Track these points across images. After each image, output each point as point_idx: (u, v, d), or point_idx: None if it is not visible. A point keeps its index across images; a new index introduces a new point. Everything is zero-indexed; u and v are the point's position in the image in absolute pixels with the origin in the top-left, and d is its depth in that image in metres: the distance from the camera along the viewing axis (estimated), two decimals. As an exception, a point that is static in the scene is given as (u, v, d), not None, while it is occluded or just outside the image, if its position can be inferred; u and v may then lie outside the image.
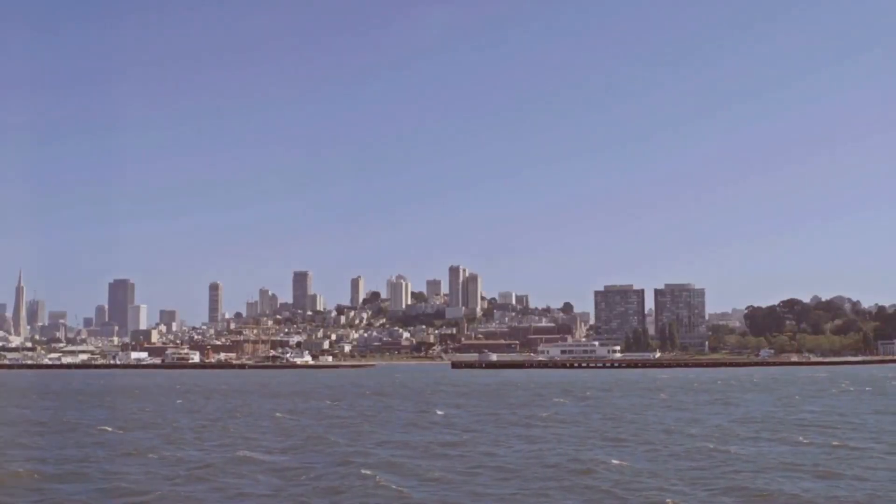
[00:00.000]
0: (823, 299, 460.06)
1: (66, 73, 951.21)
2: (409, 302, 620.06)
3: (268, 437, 49.60)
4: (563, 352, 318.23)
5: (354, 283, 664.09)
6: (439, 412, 69.69)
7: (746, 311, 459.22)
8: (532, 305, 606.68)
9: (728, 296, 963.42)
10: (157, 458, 40.32)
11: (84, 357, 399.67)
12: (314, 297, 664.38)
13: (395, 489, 30.46)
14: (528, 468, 34.96)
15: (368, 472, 34.00)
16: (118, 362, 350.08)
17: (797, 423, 55.41)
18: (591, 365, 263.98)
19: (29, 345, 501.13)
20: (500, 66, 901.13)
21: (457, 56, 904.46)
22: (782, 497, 28.41)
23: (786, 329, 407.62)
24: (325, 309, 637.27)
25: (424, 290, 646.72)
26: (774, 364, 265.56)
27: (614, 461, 36.56)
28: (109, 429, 54.38)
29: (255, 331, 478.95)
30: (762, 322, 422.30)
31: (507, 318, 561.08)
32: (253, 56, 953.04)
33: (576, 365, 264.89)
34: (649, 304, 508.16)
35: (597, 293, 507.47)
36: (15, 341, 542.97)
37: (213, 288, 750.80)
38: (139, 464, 38.60)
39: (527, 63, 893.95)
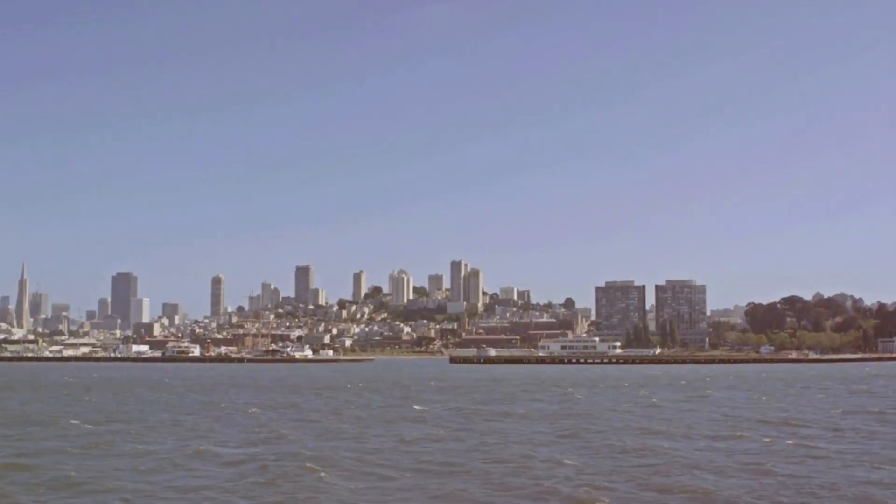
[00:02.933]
0: (826, 296, 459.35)
1: (70, 67, 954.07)
2: (411, 296, 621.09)
3: (234, 431, 50.01)
4: (563, 347, 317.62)
5: (356, 278, 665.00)
6: (416, 407, 70.15)
7: (747, 308, 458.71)
8: (534, 301, 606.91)
9: (731, 292, 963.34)
10: (116, 451, 40.79)
11: (85, 350, 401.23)
12: (316, 292, 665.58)
13: (330, 483, 30.91)
14: (474, 465, 35.24)
15: (314, 465, 34.39)
16: (119, 355, 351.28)
17: (764, 422, 55.56)
18: (590, 361, 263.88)
19: (31, 337, 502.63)
20: (504, 64, 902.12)
21: (460, 53, 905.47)
22: (710, 494, 28.69)
23: (786, 326, 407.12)
24: (326, 303, 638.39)
25: (426, 285, 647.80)
26: (772, 361, 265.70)
27: (566, 460, 36.75)
28: (89, 426, 54.42)
29: (256, 325, 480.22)
30: (763, 319, 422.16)
31: (508, 314, 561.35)
32: (255, 51, 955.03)
33: (574, 361, 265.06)
34: (650, 300, 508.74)
35: (598, 289, 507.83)
36: (18, 334, 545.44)
37: (216, 282, 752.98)
38: (96, 457, 39.08)
39: (530, 61, 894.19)
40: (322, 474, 32.69)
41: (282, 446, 41.72)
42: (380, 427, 52.21)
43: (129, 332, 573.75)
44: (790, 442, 43.51)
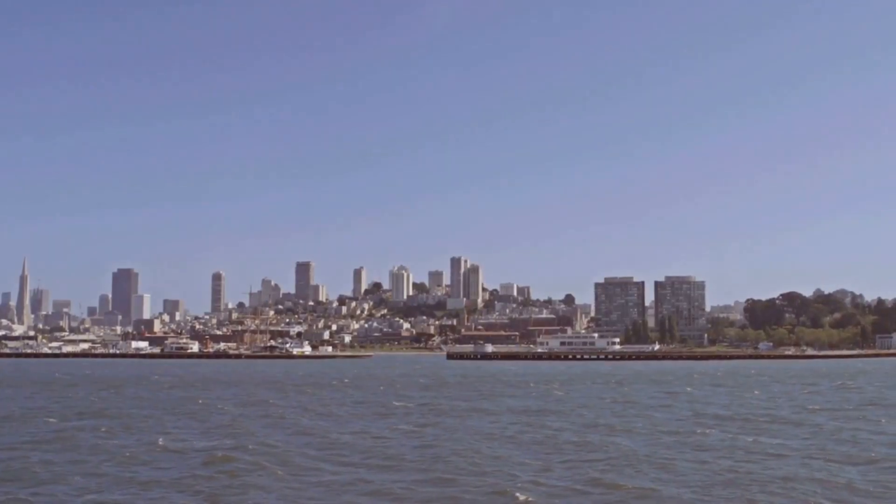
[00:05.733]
0: (826, 293, 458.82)
1: (71, 66, 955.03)
2: (411, 293, 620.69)
3: (199, 427, 50.66)
4: (562, 343, 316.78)
5: (356, 274, 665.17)
6: (396, 403, 70.65)
7: (746, 304, 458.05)
8: (533, 297, 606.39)
9: (731, 289, 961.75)
10: (81, 446, 41.39)
11: (84, 346, 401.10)
12: (316, 288, 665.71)
13: (272, 478, 31.48)
14: (424, 460, 35.76)
15: (262, 461, 34.95)
16: (118, 352, 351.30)
17: (731, 419, 55.86)
18: (589, 357, 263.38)
19: (31, 334, 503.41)
20: (503, 61, 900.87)
21: (459, 50, 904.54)
22: (643, 489, 29.08)
23: (785, 322, 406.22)
24: (327, 299, 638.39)
25: (426, 281, 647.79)
26: (769, 357, 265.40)
27: (517, 456, 37.13)
28: (62, 422, 54.86)
29: (255, 321, 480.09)
30: (762, 315, 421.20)
31: (507, 310, 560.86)
32: (254, 50, 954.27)
33: (570, 357, 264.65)
34: (650, 296, 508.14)
35: (597, 285, 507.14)
36: (18, 330, 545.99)
37: (216, 278, 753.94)
38: (59, 451, 39.67)
39: (529, 59, 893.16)
40: (266, 470, 33.22)
41: (239, 442, 42.16)
42: (345, 423, 52.71)
43: (130, 329, 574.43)
44: (750, 439, 43.75)
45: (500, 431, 46.95)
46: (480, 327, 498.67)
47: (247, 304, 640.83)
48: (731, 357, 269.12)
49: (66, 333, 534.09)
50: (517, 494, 27.82)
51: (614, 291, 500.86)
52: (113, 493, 29.56)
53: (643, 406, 66.95)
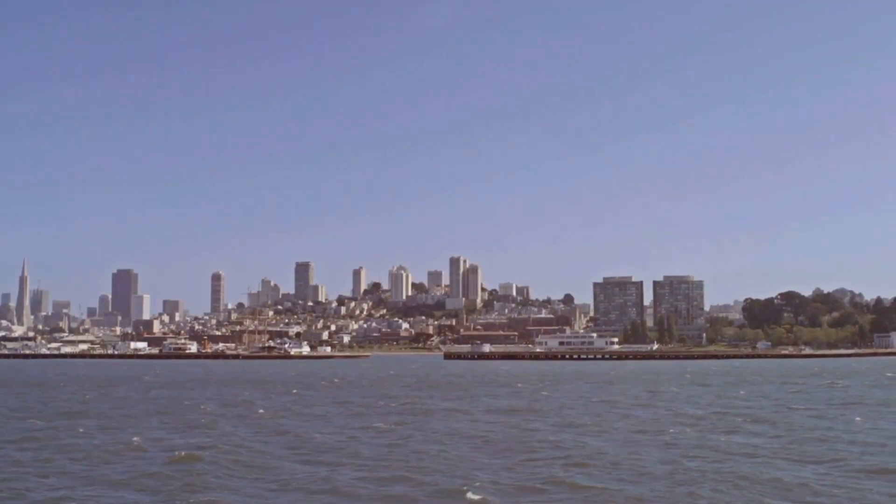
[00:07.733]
0: (825, 292, 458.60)
1: (70, 66, 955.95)
2: (410, 293, 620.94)
3: (175, 426, 51.12)
4: (560, 343, 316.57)
5: (356, 274, 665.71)
6: (380, 403, 70.99)
7: (744, 304, 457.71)
8: (532, 297, 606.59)
9: (730, 288, 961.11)
10: (55, 446, 41.87)
11: (83, 347, 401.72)
12: (316, 288, 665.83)
13: (232, 476, 31.76)
14: (384, 459, 36.07)
15: (224, 459, 35.42)
16: (116, 352, 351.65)
17: (704, 418, 56.14)
18: (587, 357, 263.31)
19: (31, 335, 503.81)
20: (503, 60, 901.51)
21: (459, 49, 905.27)
22: (591, 489, 29.39)
23: (783, 321, 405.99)
24: (326, 299, 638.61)
25: (425, 281, 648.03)
26: (766, 356, 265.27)
27: (479, 456, 37.40)
28: (42, 422, 55.30)
29: (255, 321, 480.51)
30: (760, 314, 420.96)
31: (507, 310, 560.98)
32: (255, 48, 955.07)
33: (569, 356, 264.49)
34: (648, 296, 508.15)
35: (595, 285, 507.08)
36: (18, 331, 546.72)
37: (216, 278, 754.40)
38: (32, 450, 40.20)
39: (529, 57, 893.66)
40: (229, 469, 33.69)
41: (211, 441, 42.45)
42: (322, 423, 53.00)
43: (130, 329, 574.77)
44: (722, 438, 43.96)
45: (473, 431, 47.21)
46: (479, 327, 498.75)
47: (246, 304, 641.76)
48: (729, 356, 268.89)
49: (66, 334, 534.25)
50: (469, 494, 28.01)
51: (613, 291, 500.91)
52: (75, 490, 29.94)
53: (625, 406, 67.16)
